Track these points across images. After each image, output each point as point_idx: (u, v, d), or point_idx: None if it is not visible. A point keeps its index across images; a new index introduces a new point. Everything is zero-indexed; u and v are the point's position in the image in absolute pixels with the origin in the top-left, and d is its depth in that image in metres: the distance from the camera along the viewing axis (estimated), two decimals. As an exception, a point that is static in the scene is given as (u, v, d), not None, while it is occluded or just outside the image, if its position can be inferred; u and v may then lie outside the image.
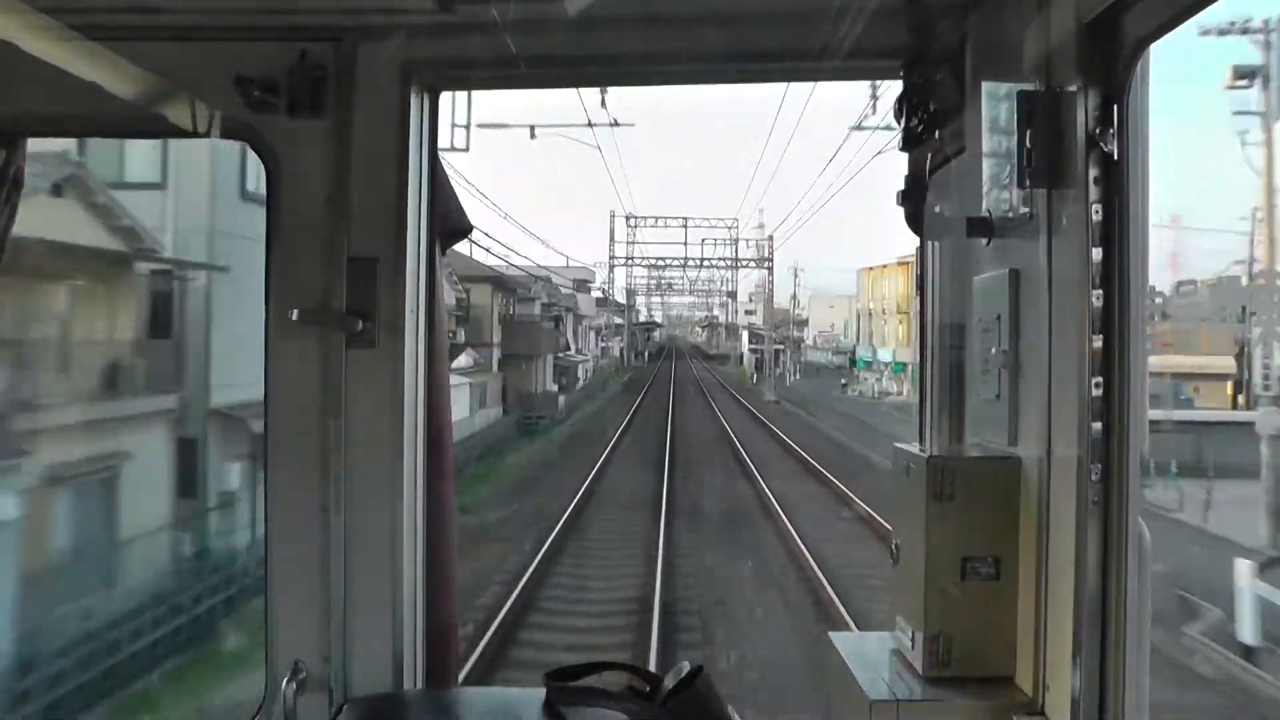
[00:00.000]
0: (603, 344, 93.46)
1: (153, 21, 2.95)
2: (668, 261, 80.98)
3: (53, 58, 2.94)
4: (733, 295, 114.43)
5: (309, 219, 2.94)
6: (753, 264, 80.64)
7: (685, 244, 78.99)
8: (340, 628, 2.92)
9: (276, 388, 3.00)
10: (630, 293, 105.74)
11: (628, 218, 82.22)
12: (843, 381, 75.73)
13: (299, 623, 2.94)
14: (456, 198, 3.25)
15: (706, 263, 79.02)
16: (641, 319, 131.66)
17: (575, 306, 77.92)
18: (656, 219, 79.54)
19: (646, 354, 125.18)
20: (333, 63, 2.90)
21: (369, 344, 2.93)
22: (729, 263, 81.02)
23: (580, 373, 75.17)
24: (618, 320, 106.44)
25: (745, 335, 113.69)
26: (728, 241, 79.33)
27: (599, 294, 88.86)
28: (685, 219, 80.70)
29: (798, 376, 79.30)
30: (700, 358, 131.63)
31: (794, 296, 77.05)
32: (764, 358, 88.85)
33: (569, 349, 70.25)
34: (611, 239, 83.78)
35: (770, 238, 78.06)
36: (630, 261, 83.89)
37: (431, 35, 2.95)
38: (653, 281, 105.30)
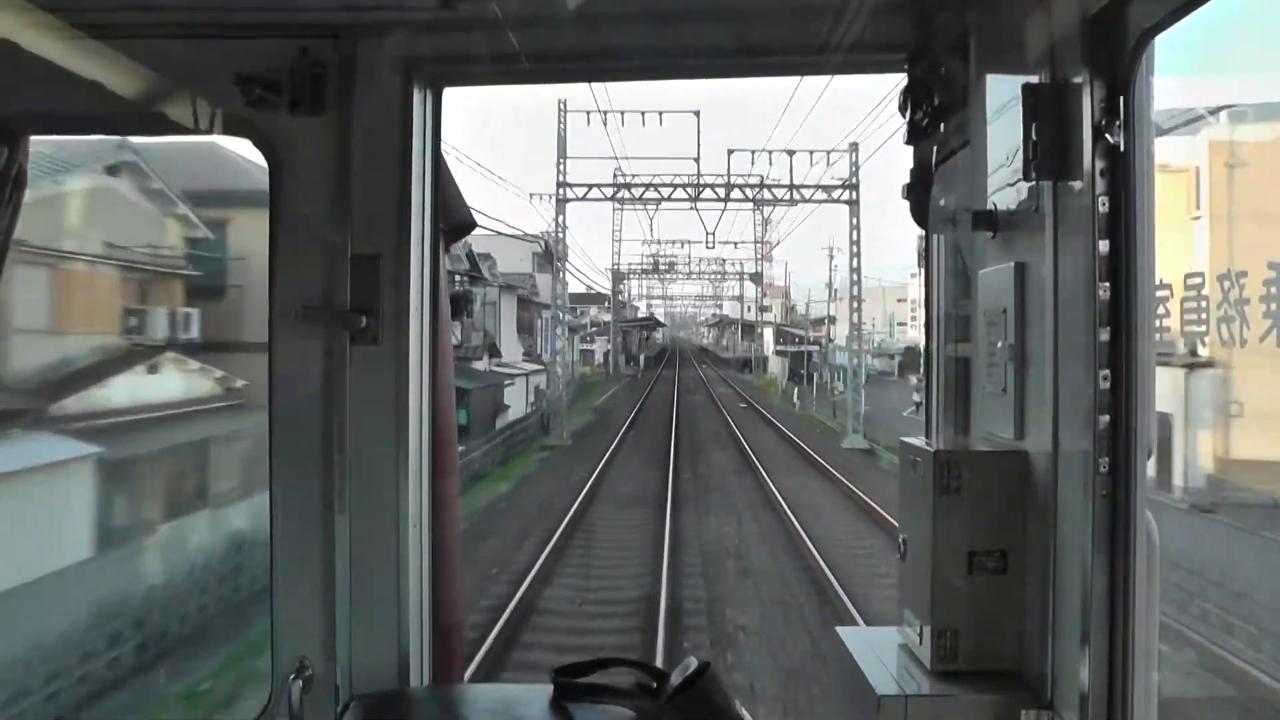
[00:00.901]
0: (583, 346, 70.31)
1: (154, 19, 2.95)
2: (667, 187, 44.38)
3: (54, 55, 2.94)
4: (756, 278, 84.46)
5: (311, 216, 2.93)
6: (818, 194, 44.21)
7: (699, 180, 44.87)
8: (346, 625, 2.92)
9: (280, 385, 3.00)
10: (619, 274, 78.56)
11: (591, 114, 44.04)
12: (916, 400, 47.08)
13: (304, 620, 2.93)
14: (460, 193, 3.25)
15: (741, 191, 44.66)
16: (639, 314, 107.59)
17: (530, 289, 54.09)
18: (644, 114, 41.63)
19: (643, 359, 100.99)
20: (334, 59, 2.90)
21: (372, 340, 2.92)
22: (777, 195, 44.80)
23: (520, 395, 46.16)
24: (606, 318, 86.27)
25: (769, 335, 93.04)
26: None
27: (567, 273, 51.95)
28: (697, 112, 43.97)
29: (841, 388, 52.71)
30: (711, 363, 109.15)
31: (829, 284, 55.09)
32: (803, 364, 69.78)
33: (495, 355, 44.27)
34: (561, 153, 45.43)
35: (854, 146, 43.35)
36: (615, 188, 45.97)
37: (433, 31, 2.95)
38: (648, 261, 78.15)
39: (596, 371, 76.14)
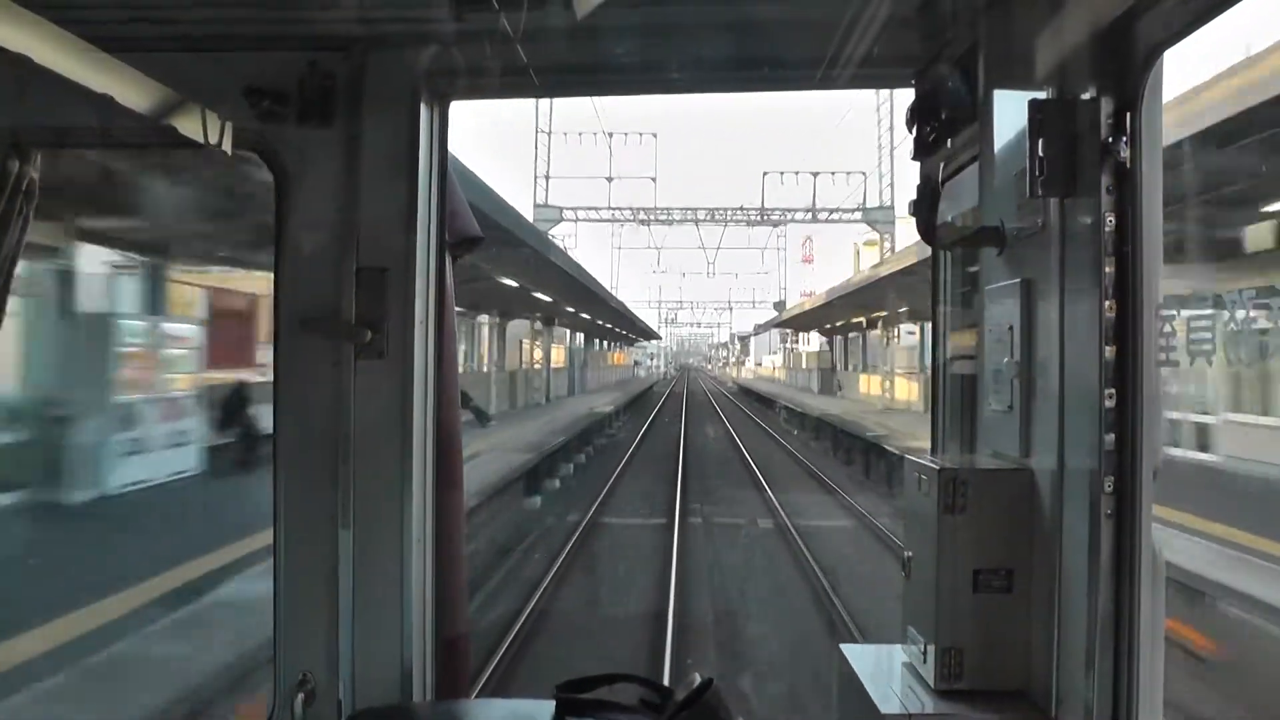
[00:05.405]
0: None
1: (163, 32, 2.96)
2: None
3: (63, 69, 2.94)
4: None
5: (318, 229, 2.94)
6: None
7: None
8: (349, 638, 2.91)
9: (285, 397, 2.99)
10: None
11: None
12: None
13: (307, 633, 2.93)
14: (467, 207, 3.25)
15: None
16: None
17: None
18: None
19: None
20: (343, 73, 2.90)
21: (378, 354, 2.92)
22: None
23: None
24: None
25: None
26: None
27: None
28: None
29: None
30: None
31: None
32: None
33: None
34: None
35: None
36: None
37: (442, 45, 2.95)
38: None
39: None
